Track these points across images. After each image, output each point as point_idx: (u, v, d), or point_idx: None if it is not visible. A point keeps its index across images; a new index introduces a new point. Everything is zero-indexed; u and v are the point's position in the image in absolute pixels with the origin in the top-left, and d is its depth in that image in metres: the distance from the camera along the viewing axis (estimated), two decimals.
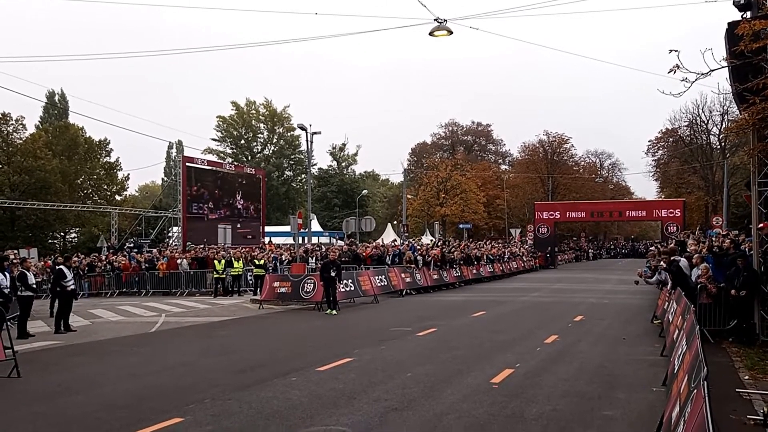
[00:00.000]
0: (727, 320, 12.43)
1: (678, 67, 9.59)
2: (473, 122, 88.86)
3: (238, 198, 46.72)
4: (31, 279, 15.87)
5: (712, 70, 9.82)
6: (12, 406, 8.24)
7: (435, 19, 18.23)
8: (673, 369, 7.65)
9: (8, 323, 11.02)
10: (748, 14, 10.94)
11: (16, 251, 30.69)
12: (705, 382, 3.91)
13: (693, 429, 3.66)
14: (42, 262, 32.21)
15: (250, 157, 78.72)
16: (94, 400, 8.37)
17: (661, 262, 15.55)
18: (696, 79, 9.84)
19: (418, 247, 30.50)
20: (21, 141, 53.78)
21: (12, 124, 53.37)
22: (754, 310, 12.01)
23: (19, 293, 15.36)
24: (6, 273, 13.83)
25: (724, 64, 10.24)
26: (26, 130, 55.63)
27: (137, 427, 6.90)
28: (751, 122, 11.00)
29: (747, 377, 9.17)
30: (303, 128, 31.57)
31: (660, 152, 67.31)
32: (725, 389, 8.18)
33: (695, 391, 4.20)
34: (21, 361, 10.22)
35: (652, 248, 27.38)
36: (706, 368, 4.48)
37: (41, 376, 10.28)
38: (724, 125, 56.76)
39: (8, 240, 47.15)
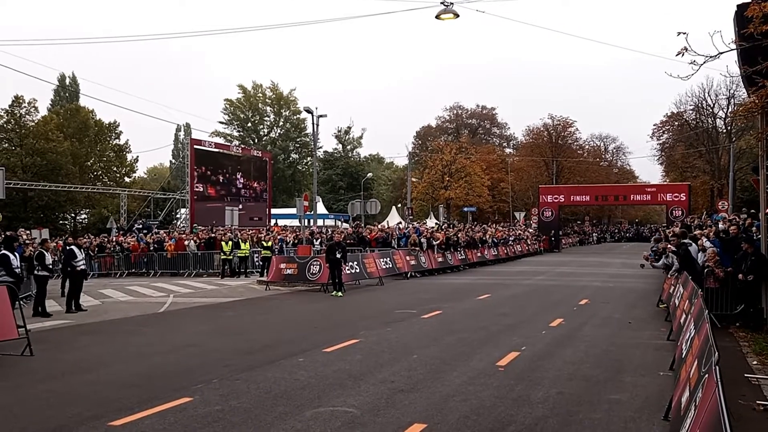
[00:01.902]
0: (734, 305, 12.44)
1: (686, 49, 9.49)
2: (478, 105, 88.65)
3: (245, 180, 46.80)
4: (49, 259, 16.13)
5: (721, 53, 9.71)
6: (25, 383, 8.35)
7: (441, 2, 18.11)
8: (680, 353, 7.65)
9: (20, 302, 11.12)
10: None
11: (28, 231, 30.91)
12: (717, 367, 3.91)
13: (705, 414, 3.67)
14: (54, 243, 32.44)
15: (256, 140, 78.86)
16: (105, 379, 8.47)
17: (669, 245, 15.54)
18: (704, 62, 9.73)
19: (423, 230, 30.52)
20: (33, 123, 54.45)
21: (24, 106, 53.95)
22: (761, 294, 12.00)
23: (36, 273, 15.60)
24: (17, 253, 13.92)
25: (733, 46, 10.14)
26: (38, 112, 56.40)
27: (147, 406, 6.97)
28: (759, 105, 10.93)
29: (755, 362, 9.16)
30: (309, 111, 31.44)
31: (665, 136, 67.01)
32: (733, 374, 8.15)
33: (707, 375, 4.21)
34: (33, 339, 10.34)
35: (657, 233, 27.35)
36: (717, 353, 4.49)
37: (53, 355, 10.38)
38: (730, 109, 56.37)
39: (20, 221, 47.62)
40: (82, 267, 16.69)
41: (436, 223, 44.53)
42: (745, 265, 11.99)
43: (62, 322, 14.43)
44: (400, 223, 44.68)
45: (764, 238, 12.21)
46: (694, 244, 13.96)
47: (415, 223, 40.99)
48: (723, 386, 3.57)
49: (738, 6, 10.43)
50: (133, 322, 14.29)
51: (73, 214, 60.41)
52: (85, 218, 61.75)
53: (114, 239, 34.38)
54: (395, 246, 27.53)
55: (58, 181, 51.00)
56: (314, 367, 8.86)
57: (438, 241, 27.83)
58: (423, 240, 27.31)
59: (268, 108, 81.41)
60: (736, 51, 10.41)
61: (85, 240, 26.24)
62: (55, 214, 56.05)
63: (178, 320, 14.80)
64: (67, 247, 17.07)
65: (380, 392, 7.53)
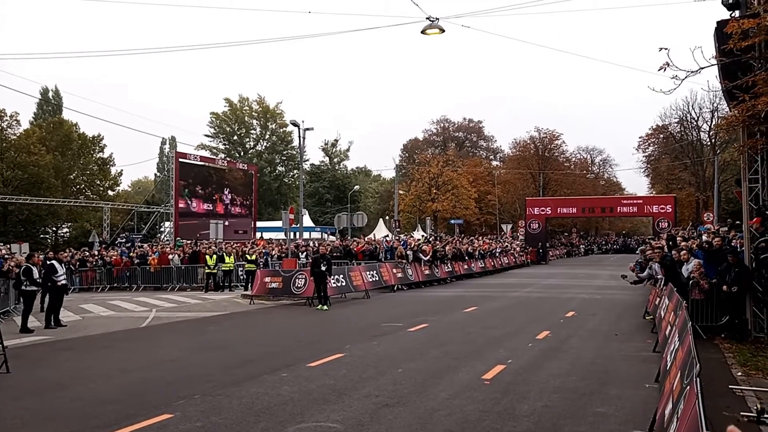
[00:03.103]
0: (719, 316, 12.47)
1: (668, 64, 9.62)
2: (465, 118, 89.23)
3: (231, 193, 46.63)
4: (36, 274, 15.89)
5: (702, 68, 9.85)
6: (1, 400, 8.17)
7: (427, 18, 18.16)
8: (665, 365, 7.64)
9: None
10: (737, 13, 11.02)
11: (7, 246, 30.53)
12: (698, 379, 3.88)
13: (686, 426, 3.64)
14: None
15: (242, 153, 78.78)
16: (84, 395, 8.32)
17: (653, 254, 15.63)
18: (686, 77, 9.87)
19: (410, 243, 30.46)
20: (15, 137, 53.79)
21: (6, 120, 53.38)
22: (746, 306, 12.06)
23: (23, 288, 15.43)
24: None
25: (714, 62, 10.29)
26: (20, 125, 55.82)
27: (127, 423, 6.85)
28: (740, 119, 11.05)
29: (740, 374, 9.17)
30: (295, 124, 31.51)
31: (651, 149, 67.66)
32: (718, 386, 8.17)
33: (688, 387, 4.19)
34: (10, 356, 10.14)
35: (643, 246, 27.45)
36: (698, 365, 4.46)
37: (31, 371, 10.20)
38: (714, 122, 57.05)
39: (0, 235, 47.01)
40: (63, 282, 16.46)
41: (423, 236, 44.52)
42: (730, 277, 12.05)
43: (41, 337, 14.21)
44: (387, 235, 44.67)
45: (747, 250, 12.28)
46: (671, 254, 14.06)
47: (402, 235, 40.96)
48: (703, 398, 3.54)
49: (718, 22, 10.59)
50: (114, 338, 14.08)
51: (54, 228, 59.81)
52: (67, 232, 61.14)
53: (96, 253, 34.04)
54: (382, 259, 27.43)
55: (40, 194, 50.49)
56: (298, 382, 8.76)
57: (427, 256, 27.77)
58: (409, 252, 27.23)
59: (255, 121, 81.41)
60: (716, 66, 10.55)
61: (66, 254, 25.96)
62: (35, 228, 55.45)
63: (160, 335, 14.61)
64: (48, 262, 16.83)
65: (364, 407, 7.45)
